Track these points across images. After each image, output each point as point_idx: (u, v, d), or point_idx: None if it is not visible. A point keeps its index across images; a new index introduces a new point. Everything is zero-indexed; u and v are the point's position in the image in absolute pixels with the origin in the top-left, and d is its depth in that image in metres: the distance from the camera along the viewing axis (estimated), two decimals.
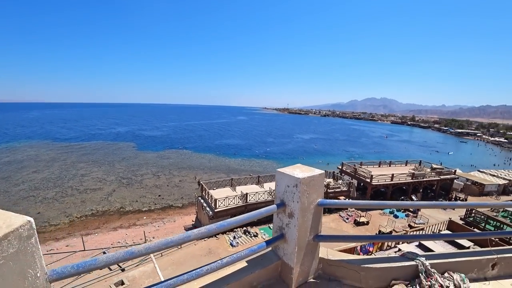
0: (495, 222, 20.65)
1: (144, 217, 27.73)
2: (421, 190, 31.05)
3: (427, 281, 2.15)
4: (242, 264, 2.21)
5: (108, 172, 41.92)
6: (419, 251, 13.02)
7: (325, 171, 28.58)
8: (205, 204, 23.53)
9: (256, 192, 24.11)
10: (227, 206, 22.25)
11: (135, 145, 67.21)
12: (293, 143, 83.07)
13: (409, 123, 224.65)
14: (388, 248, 17.48)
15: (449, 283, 2.18)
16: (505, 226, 20.22)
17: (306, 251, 2.21)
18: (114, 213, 28.40)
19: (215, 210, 21.62)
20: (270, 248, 2.36)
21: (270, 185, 27.21)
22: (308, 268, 2.29)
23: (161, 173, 42.43)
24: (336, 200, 2.26)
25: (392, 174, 28.93)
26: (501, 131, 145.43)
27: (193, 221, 26.59)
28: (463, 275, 2.29)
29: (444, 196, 32.84)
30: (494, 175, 40.48)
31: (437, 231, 19.81)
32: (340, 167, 32.98)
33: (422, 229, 20.38)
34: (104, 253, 16.72)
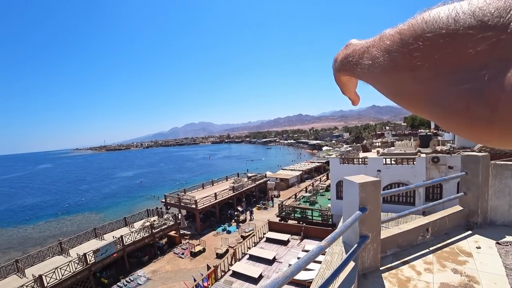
0: (299, 210, 24.41)
1: None
2: (244, 199, 33.35)
3: None
4: None
5: None
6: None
7: (147, 209, 24.05)
8: None
9: (56, 268, 16.79)
10: None
11: None
12: (114, 184, 71.88)
13: (226, 140, 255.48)
14: (223, 273, 16.31)
15: None
16: (307, 211, 24.32)
17: None
18: None
19: None
20: None
21: (78, 250, 20.08)
22: None
23: None
24: None
25: (215, 193, 29.10)
26: (290, 135, 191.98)
27: None
28: None
29: (263, 197, 36.98)
30: (293, 170, 50.53)
31: (262, 234, 20.98)
32: (163, 200, 30.06)
33: (254, 235, 21.06)
34: None
